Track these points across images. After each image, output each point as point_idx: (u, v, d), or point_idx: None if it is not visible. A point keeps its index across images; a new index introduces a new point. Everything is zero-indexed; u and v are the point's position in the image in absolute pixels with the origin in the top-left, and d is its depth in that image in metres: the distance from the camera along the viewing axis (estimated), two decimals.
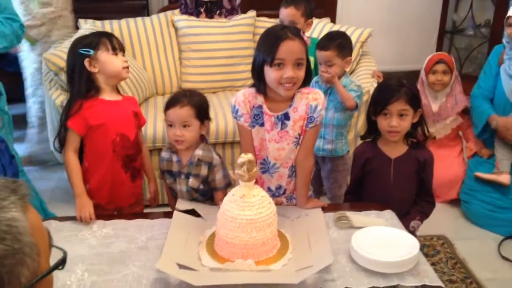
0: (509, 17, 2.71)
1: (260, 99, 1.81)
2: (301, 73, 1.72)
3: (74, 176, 1.93)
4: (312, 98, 1.79)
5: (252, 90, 1.82)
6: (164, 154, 2.00)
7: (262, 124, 1.83)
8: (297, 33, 1.71)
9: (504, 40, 2.84)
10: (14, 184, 0.84)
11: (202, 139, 1.96)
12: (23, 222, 0.80)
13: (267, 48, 1.70)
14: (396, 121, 1.92)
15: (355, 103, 2.37)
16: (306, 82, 1.80)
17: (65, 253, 0.89)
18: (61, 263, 0.88)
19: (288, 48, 1.67)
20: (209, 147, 1.97)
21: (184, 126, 1.88)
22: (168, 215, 1.86)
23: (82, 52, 1.91)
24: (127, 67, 1.99)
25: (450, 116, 3.03)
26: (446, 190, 3.02)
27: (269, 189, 1.94)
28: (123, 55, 1.99)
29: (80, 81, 1.92)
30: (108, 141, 1.97)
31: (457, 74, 3.07)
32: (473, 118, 2.99)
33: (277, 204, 1.71)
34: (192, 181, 1.94)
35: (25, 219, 0.81)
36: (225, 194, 1.94)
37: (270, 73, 1.71)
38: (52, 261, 0.89)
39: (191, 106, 1.89)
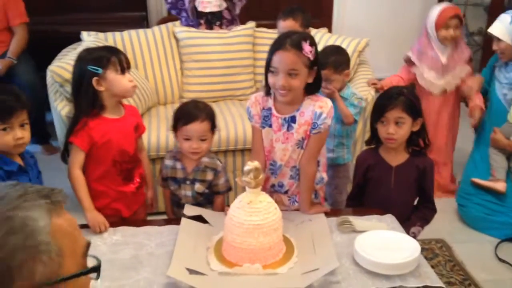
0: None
1: (270, 102, 1.91)
2: (294, 82, 1.78)
3: (82, 191, 1.95)
4: (318, 105, 1.85)
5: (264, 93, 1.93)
6: (168, 162, 2.08)
7: (270, 125, 1.92)
8: (296, 44, 1.75)
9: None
10: (50, 191, 0.88)
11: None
12: (40, 222, 0.82)
13: (268, 55, 1.80)
14: (393, 128, 1.97)
15: (353, 120, 2.42)
16: (315, 89, 1.88)
17: (99, 261, 0.91)
18: (90, 270, 0.90)
19: (281, 59, 1.76)
20: (213, 155, 2.08)
21: (202, 140, 1.96)
22: (176, 222, 1.91)
23: (90, 69, 1.90)
24: (135, 86, 2.01)
25: (458, 65, 3.05)
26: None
27: (271, 186, 2.01)
28: (129, 73, 2.00)
29: (86, 97, 1.93)
30: (109, 157, 2.01)
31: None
32: None
33: (277, 202, 1.75)
34: (198, 186, 2.03)
35: (46, 221, 0.83)
36: (223, 199, 2.10)
37: (269, 78, 1.82)
38: None
39: (208, 120, 1.98)
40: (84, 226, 1.90)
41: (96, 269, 0.91)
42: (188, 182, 2.05)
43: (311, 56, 1.78)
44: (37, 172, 1.88)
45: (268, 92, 1.91)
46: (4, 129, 1.75)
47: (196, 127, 1.95)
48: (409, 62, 3.15)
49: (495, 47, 2.87)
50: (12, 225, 0.80)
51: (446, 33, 2.96)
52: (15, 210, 0.81)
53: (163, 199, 2.24)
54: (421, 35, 3.09)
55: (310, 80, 1.83)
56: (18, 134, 1.77)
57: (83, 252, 0.90)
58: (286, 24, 2.62)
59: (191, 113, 1.97)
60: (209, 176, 2.03)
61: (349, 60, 2.47)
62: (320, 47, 2.75)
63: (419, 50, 3.08)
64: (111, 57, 1.92)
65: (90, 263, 0.92)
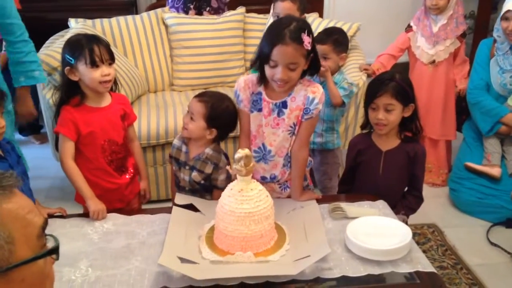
0: (508, 11, 2.72)
1: (261, 86, 1.88)
2: (294, 74, 1.77)
3: (79, 181, 1.94)
4: (311, 90, 1.84)
5: (254, 77, 1.89)
6: (176, 142, 2.08)
7: (260, 110, 1.90)
8: (296, 37, 1.71)
9: (495, 34, 2.86)
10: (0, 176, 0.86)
11: (214, 140, 2.01)
12: None
13: (265, 45, 1.76)
14: (382, 114, 1.96)
15: (342, 101, 2.41)
16: (312, 71, 1.86)
17: (56, 240, 0.89)
18: (48, 253, 0.88)
19: (281, 53, 1.72)
20: (219, 149, 2.03)
21: (191, 118, 1.96)
22: (167, 210, 1.90)
23: (66, 58, 1.91)
24: (106, 81, 1.93)
25: (449, 39, 3.06)
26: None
27: (262, 178, 1.99)
28: (110, 64, 1.94)
29: (66, 85, 1.95)
30: (97, 147, 1.99)
31: None
32: (480, 114, 2.94)
33: (268, 190, 1.73)
34: (195, 175, 2.02)
35: None
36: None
37: (266, 69, 1.79)
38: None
39: (205, 106, 1.95)
40: (82, 215, 1.92)
41: (53, 251, 0.89)
42: (187, 168, 2.04)
43: (310, 47, 1.75)
44: (16, 157, 1.87)
45: (261, 81, 1.87)
46: None
47: (193, 103, 1.98)
48: (408, 27, 3.21)
49: (504, 24, 2.73)
50: None
51: (429, 2, 3.01)
52: None
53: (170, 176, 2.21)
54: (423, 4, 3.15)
55: (305, 67, 1.81)
56: (2, 122, 1.79)
57: (38, 234, 0.88)
58: (284, 5, 2.56)
59: (202, 92, 2.04)
60: (208, 169, 2.00)
61: (348, 46, 2.49)
62: None
63: (418, 17, 3.16)
64: (83, 49, 1.89)
65: (50, 243, 0.90)
